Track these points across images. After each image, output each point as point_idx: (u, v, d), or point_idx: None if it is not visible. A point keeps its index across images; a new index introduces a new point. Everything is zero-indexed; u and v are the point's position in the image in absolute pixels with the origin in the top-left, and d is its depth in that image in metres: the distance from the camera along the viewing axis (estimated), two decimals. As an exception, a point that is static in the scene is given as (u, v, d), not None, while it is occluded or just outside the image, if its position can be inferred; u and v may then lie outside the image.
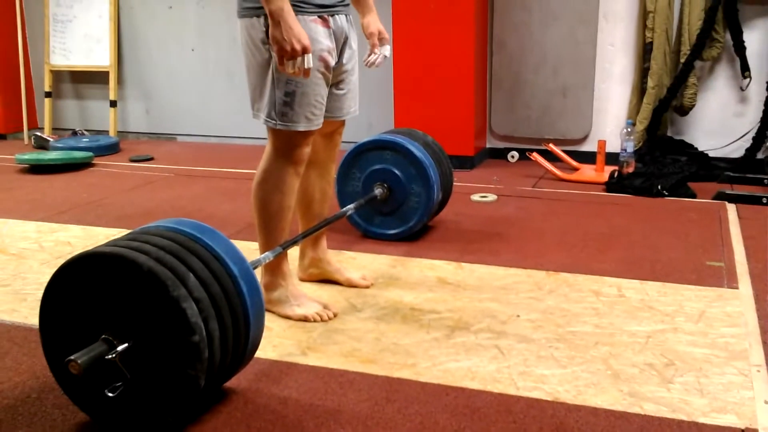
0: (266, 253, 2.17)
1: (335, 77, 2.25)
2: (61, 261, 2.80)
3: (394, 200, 2.95)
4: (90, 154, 4.68)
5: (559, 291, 2.46)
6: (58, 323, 1.65)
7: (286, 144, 2.18)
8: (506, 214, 3.43)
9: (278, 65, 2.00)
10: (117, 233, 3.17)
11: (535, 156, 4.13)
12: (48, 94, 5.65)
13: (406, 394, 1.81)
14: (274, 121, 2.14)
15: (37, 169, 4.52)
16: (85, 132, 5.55)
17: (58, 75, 5.80)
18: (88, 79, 5.77)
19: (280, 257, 2.27)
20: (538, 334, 2.13)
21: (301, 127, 2.14)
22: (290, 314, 2.26)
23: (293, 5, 2.02)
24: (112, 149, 5.13)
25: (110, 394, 1.55)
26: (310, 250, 2.55)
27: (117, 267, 1.56)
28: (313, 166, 2.41)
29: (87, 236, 3.17)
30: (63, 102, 5.90)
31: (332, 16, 2.16)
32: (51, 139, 5.21)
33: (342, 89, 2.30)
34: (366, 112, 4.72)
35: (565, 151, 4.32)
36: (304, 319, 2.24)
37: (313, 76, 2.10)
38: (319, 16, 2.12)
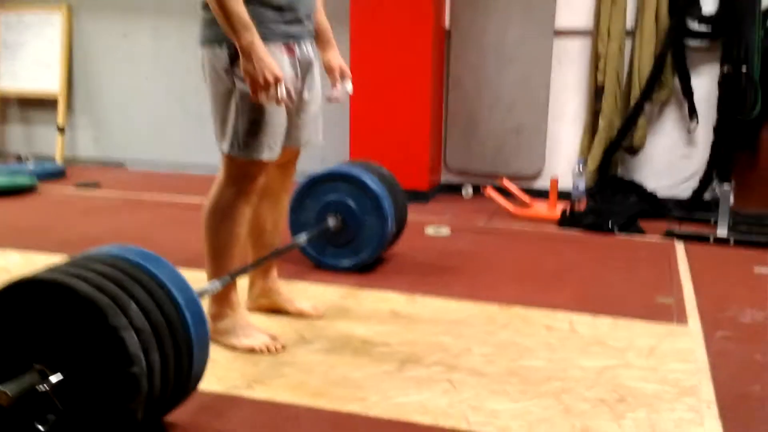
0: (214, 281, 2.10)
1: (296, 106, 2.21)
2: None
3: (348, 232, 2.91)
4: (34, 179, 4.54)
5: (512, 325, 2.44)
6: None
7: (243, 173, 2.13)
8: (460, 248, 3.42)
9: (251, 96, 1.97)
10: (58, 260, 3.05)
11: (489, 191, 4.15)
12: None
13: (354, 430, 1.75)
14: (237, 150, 2.09)
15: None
16: (30, 158, 5.39)
17: (5, 99, 5.65)
18: (36, 105, 5.63)
19: (229, 287, 2.20)
20: (490, 368, 2.10)
21: (264, 157, 2.10)
22: (237, 345, 2.19)
23: (262, 32, 2.00)
24: (57, 175, 4.99)
25: (41, 428, 1.46)
26: (259, 280, 2.49)
27: (53, 294, 1.48)
28: (265, 196, 2.36)
29: (26, 263, 3.04)
30: (9, 127, 5.74)
31: (298, 44, 2.14)
32: (-7, 164, 5.05)
33: (302, 118, 2.26)
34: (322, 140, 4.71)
35: (518, 188, 4.36)
36: (251, 350, 2.17)
37: (274, 106, 2.07)
38: (284, 44, 2.10)
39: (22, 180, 4.49)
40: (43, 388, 1.44)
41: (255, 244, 2.44)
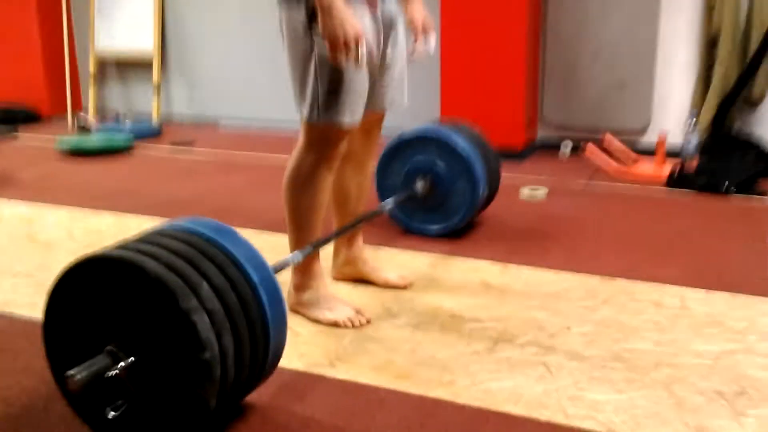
0: (295, 252, 2.01)
1: (379, 66, 2.06)
2: (90, 250, 2.71)
3: (437, 196, 2.76)
4: (130, 138, 4.60)
5: (615, 300, 2.24)
6: (62, 330, 1.51)
7: (323, 140, 2.01)
8: (557, 212, 3.21)
9: (330, 56, 1.83)
10: (150, 222, 3.06)
11: (590, 149, 3.88)
12: (92, 78, 5.59)
13: (442, 418, 1.62)
14: (316, 115, 1.97)
15: (77, 154, 4.45)
16: (128, 116, 5.48)
17: (102, 59, 5.74)
18: (132, 64, 5.69)
19: (311, 257, 2.11)
20: (591, 350, 1.92)
21: (345, 121, 1.97)
22: (320, 318, 2.10)
23: None
24: (153, 134, 5.05)
25: (112, 413, 1.41)
26: (344, 249, 2.38)
27: (123, 272, 1.41)
28: (349, 161, 2.24)
29: (118, 224, 3.07)
30: (107, 85, 5.85)
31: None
32: (93, 123, 5.16)
33: (386, 79, 2.11)
34: (410, 99, 4.55)
35: (622, 144, 4.06)
36: (335, 324, 2.08)
37: (355, 67, 1.93)
38: (366, 0, 1.94)
39: (118, 141, 4.56)
40: (112, 373, 1.39)
41: (339, 212, 2.33)
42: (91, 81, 5.59)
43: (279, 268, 1.91)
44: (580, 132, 4.31)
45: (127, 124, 5.09)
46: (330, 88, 1.93)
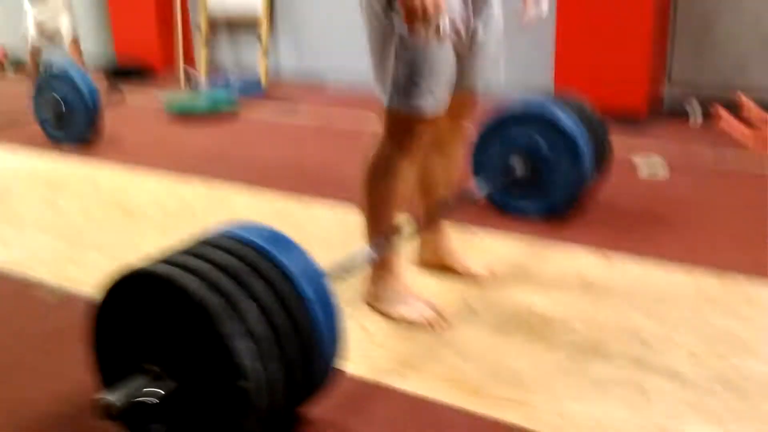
0: (367, 248, 1.86)
1: (468, 44, 1.84)
2: (183, 226, 2.69)
3: (537, 175, 2.52)
4: (235, 102, 4.59)
5: (732, 306, 1.96)
6: (109, 343, 1.44)
7: (405, 130, 1.84)
8: (678, 194, 2.88)
9: (408, 30, 1.64)
10: (239, 195, 3.02)
11: (724, 120, 3.44)
12: (203, 36, 5.62)
13: (510, 449, 1.46)
14: (396, 100, 1.79)
15: (183, 115, 4.48)
16: (236, 74, 5.47)
17: (213, 18, 5.74)
18: (241, 23, 5.66)
19: (389, 248, 1.95)
20: (695, 370, 1.67)
21: (428, 106, 1.78)
22: (392, 313, 1.96)
23: None
24: (259, 93, 5.01)
25: (151, 436, 1.34)
26: (428, 236, 2.21)
27: (166, 291, 1.31)
28: (436, 147, 2.04)
29: (208, 195, 3.04)
30: (217, 44, 5.86)
31: None
32: (203, 81, 5.19)
33: (476, 57, 1.89)
34: (520, 56, 4.26)
35: (760, 108, 3.59)
36: (409, 322, 1.93)
37: (441, 46, 1.73)
38: None
39: (224, 103, 4.56)
40: (152, 398, 1.30)
41: (424, 199, 2.15)
42: (202, 39, 5.62)
43: (350, 265, 1.78)
44: (714, 90, 3.86)
45: (235, 83, 5.08)
46: (411, 71, 1.74)
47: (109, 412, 1.27)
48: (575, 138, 2.41)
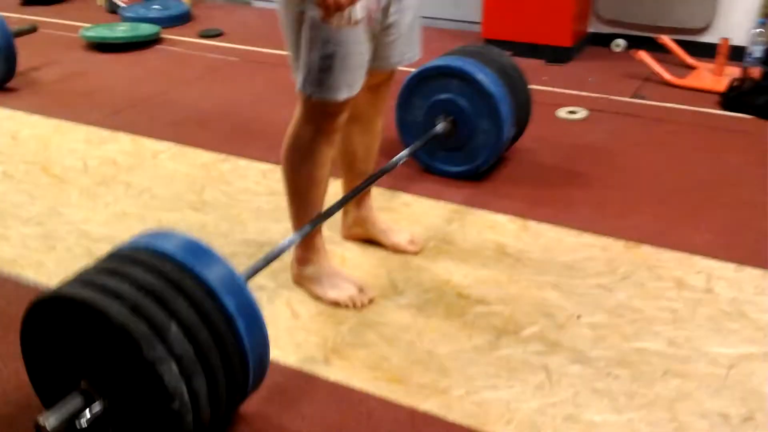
0: (292, 235, 1.92)
1: (383, 22, 1.84)
2: (103, 188, 2.67)
3: (460, 135, 2.58)
4: (157, 29, 4.42)
5: (636, 276, 2.11)
6: (39, 360, 1.49)
7: (320, 112, 1.85)
8: (594, 140, 2.98)
9: (322, 18, 1.64)
10: (165, 148, 2.98)
11: (641, 55, 3.54)
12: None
13: (428, 440, 1.59)
14: (310, 88, 1.79)
15: (102, 47, 4.31)
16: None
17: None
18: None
19: (313, 231, 2.01)
20: (598, 350, 1.83)
21: (341, 96, 1.80)
22: (321, 296, 2.04)
23: None
24: (183, 19, 4.82)
25: (85, 455, 1.42)
26: (353, 209, 2.27)
27: (87, 316, 1.36)
28: (355, 121, 2.07)
29: (135, 151, 2.99)
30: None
31: None
32: (122, 4, 4.95)
33: (391, 35, 1.89)
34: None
35: (680, 43, 3.69)
36: (336, 304, 2.02)
37: (355, 36, 1.72)
38: None
39: (145, 32, 4.38)
40: (83, 420, 1.37)
41: (347, 173, 2.20)
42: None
43: (273, 256, 1.84)
44: (636, 29, 3.92)
45: (156, 6, 4.86)
46: (324, 64, 1.74)
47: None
48: (495, 98, 2.46)
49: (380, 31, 1.85)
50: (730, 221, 2.38)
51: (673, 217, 2.41)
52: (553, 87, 3.49)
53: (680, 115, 3.18)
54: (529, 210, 2.46)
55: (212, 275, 1.47)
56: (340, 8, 1.59)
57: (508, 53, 2.78)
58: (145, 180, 2.74)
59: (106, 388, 1.40)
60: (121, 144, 3.07)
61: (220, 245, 2.27)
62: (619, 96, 3.39)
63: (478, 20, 4.10)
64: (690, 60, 3.63)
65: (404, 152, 2.37)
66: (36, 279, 2.17)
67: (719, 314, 1.95)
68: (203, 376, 1.39)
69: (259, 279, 2.07)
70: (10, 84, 3.72)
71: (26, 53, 4.00)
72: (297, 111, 1.90)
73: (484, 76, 2.47)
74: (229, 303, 1.45)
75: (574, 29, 3.81)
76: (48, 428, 1.33)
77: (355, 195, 2.17)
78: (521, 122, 2.66)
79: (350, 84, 1.80)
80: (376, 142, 2.18)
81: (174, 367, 1.34)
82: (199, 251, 1.51)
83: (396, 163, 2.32)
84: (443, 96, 2.54)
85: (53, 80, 3.87)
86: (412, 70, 2.58)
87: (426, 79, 2.57)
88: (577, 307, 1.99)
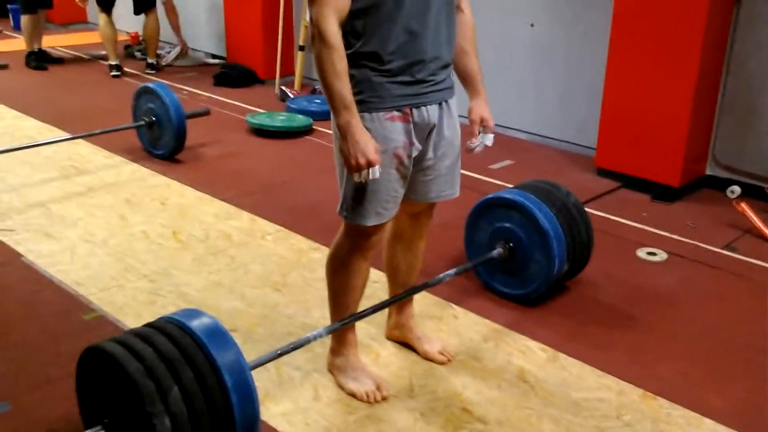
0: (318, 330, 2.23)
1: (419, 165, 2.16)
2: (211, 258, 3.16)
3: (516, 262, 2.79)
4: (309, 122, 5.01)
5: (638, 426, 2.19)
6: (85, 390, 1.92)
7: (356, 233, 2.19)
8: (662, 286, 3.04)
9: (345, 172, 2.00)
10: (274, 230, 3.44)
11: (743, 206, 3.53)
12: (301, 48, 6.05)
13: None
14: (344, 213, 2.15)
15: (262, 132, 4.96)
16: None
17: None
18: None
19: (347, 327, 2.32)
20: (566, 487, 1.95)
21: (371, 222, 2.12)
22: (343, 385, 2.33)
23: (370, 99, 1.99)
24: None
25: (95, 479, 1.80)
26: (395, 314, 2.56)
27: (114, 368, 1.75)
28: (399, 240, 2.39)
29: (249, 230, 3.48)
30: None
31: (418, 107, 2.07)
32: (291, 95, 5.65)
33: (429, 175, 2.20)
34: (577, 111, 4.42)
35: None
36: (353, 395, 2.30)
37: (385, 173, 2.05)
38: (398, 110, 2.04)
39: (299, 123, 4.99)
40: (97, 449, 1.76)
41: (390, 283, 2.51)
42: (298, 52, 6.05)
43: (298, 345, 2.17)
44: (752, 178, 3.90)
45: (317, 100, 5.49)
46: (353, 194, 2.09)
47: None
48: (549, 235, 2.65)
49: (418, 171, 2.17)
50: (759, 394, 2.36)
51: (702, 376, 2.44)
52: (646, 225, 3.57)
53: (763, 273, 3.15)
54: (564, 343, 2.60)
55: (220, 355, 1.81)
56: (359, 169, 1.94)
57: (572, 197, 2.93)
58: (247, 256, 3.21)
59: (120, 426, 1.78)
60: (241, 221, 3.58)
61: (281, 324, 2.67)
62: (709, 245, 3.40)
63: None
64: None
65: (451, 271, 2.63)
66: (131, 325, 2.65)
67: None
68: (192, 433, 1.73)
69: (299, 361, 2.43)
70: (179, 156, 4.43)
71: (200, 131, 4.74)
72: (340, 228, 2.25)
73: (542, 214, 2.68)
74: (228, 380, 1.79)
75: (684, 169, 3.86)
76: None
77: (392, 303, 2.46)
78: (578, 260, 2.81)
79: (379, 213, 2.11)
80: (417, 260, 2.46)
81: (167, 422, 1.69)
82: (218, 333, 1.87)
83: (441, 280, 2.59)
84: (505, 224, 2.78)
85: (212, 157, 4.54)
86: (478, 199, 2.85)
87: (492, 206, 2.83)
88: (567, 446, 2.11)
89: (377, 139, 1.99)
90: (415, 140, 2.09)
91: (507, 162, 4.47)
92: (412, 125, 2.07)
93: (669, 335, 2.69)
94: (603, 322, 2.77)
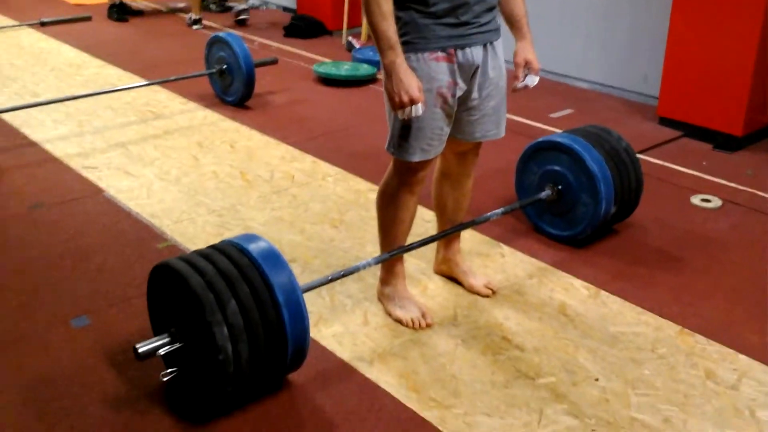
0: (366, 260, 2.38)
1: (464, 105, 2.26)
2: (275, 196, 3.35)
3: (564, 204, 2.87)
4: (373, 71, 5.11)
5: (671, 358, 2.27)
6: (154, 306, 2.13)
7: (403, 169, 2.31)
8: (713, 231, 3.07)
9: (391, 110, 2.12)
10: (334, 172, 3.60)
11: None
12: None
13: (413, 441, 1.97)
14: (391, 149, 2.28)
15: (328, 81, 5.10)
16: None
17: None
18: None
19: (396, 258, 2.47)
20: (595, 410, 2.06)
21: (416, 158, 2.24)
22: (391, 312, 2.48)
23: (415, 40, 2.10)
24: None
25: (164, 378, 2.01)
26: (442, 249, 2.68)
27: (180, 282, 1.95)
28: (446, 177, 2.51)
29: (311, 171, 3.65)
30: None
31: (462, 48, 2.16)
32: (357, 45, 5.76)
33: (474, 115, 2.30)
34: (642, 60, 4.41)
35: None
36: (399, 321, 2.45)
37: (430, 111, 2.17)
38: (442, 50, 2.14)
39: (363, 72, 5.11)
40: (163, 351, 1.97)
41: (439, 219, 2.63)
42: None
43: (348, 272, 2.34)
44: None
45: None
46: (400, 132, 2.21)
47: (137, 355, 1.95)
48: (597, 178, 2.72)
49: (464, 111, 2.27)
50: (803, 331, 2.41)
51: (743, 316, 2.49)
52: (704, 173, 3.57)
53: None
54: (608, 282, 2.68)
55: (274, 275, 1.99)
56: (402, 107, 2.05)
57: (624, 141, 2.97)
58: (307, 195, 3.38)
59: (184, 335, 1.99)
60: (303, 164, 3.76)
61: (337, 257, 2.85)
62: (766, 192, 3.38)
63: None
64: None
65: (498, 210, 2.73)
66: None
67: (730, 409, 2.07)
68: (247, 344, 1.92)
69: (351, 290, 2.60)
70: (248, 103, 4.62)
71: (269, 79, 4.93)
72: (389, 164, 2.38)
73: (590, 156, 2.75)
74: (281, 297, 1.97)
75: (747, 119, 3.81)
76: (138, 351, 1.95)
77: (439, 238, 2.59)
78: (626, 204, 2.87)
79: (424, 149, 2.23)
80: (464, 198, 2.57)
81: (225, 330, 1.88)
82: (273, 256, 2.04)
83: (488, 218, 2.70)
84: (554, 167, 2.86)
85: (279, 104, 4.72)
86: (530, 142, 2.93)
87: (542, 150, 2.90)
88: (600, 371, 2.22)
89: (422, 78, 2.10)
90: (459, 80, 2.19)
91: (568, 111, 4.50)
92: (456, 65, 2.16)
93: (714, 278, 2.74)
94: (649, 264, 2.83)
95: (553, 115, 4.40)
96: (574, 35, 4.89)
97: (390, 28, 2.03)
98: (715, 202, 3.28)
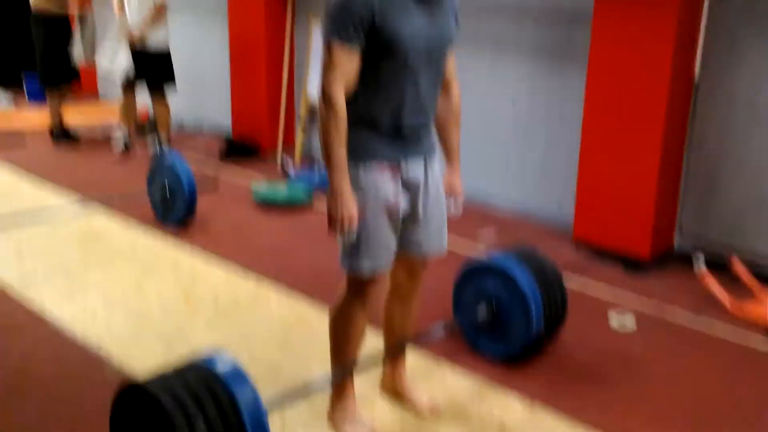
0: (321, 378, 2.52)
1: (410, 219, 2.45)
2: (224, 322, 3.44)
3: (498, 323, 3.09)
4: (309, 195, 5.35)
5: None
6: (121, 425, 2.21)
7: (355, 284, 2.47)
8: (634, 351, 3.33)
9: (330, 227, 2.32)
10: (279, 294, 3.74)
11: (705, 277, 3.85)
12: (301, 122, 6.39)
13: None
14: (343, 262, 2.42)
15: (266, 203, 5.32)
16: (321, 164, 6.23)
17: (313, 104, 6.55)
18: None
19: (345, 379, 2.60)
20: None
21: (366, 268, 2.39)
22: (337, 432, 2.60)
23: (364, 154, 2.31)
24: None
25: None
26: (388, 367, 2.82)
27: (149, 401, 2.05)
28: (396, 296, 2.69)
29: (255, 296, 3.77)
30: (314, 132, 6.64)
31: (405, 164, 2.37)
32: (293, 170, 6.02)
33: (419, 230, 2.49)
34: (556, 186, 4.78)
35: (750, 272, 3.92)
36: (347, 443, 2.56)
37: (377, 223, 2.34)
38: (388, 164, 2.34)
39: (300, 196, 5.33)
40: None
41: (386, 337, 2.79)
42: (300, 125, 6.40)
43: (310, 388, 2.46)
44: (717, 247, 4.25)
45: (322, 172, 5.84)
46: (350, 244, 2.37)
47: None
48: (527, 296, 2.96)
49: (410, 224, 2.46)
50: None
51: (667, 427, 2.72)
52: (616, 295, 3.89)
53: (727, 345, 3.40)
54: (545, 397, 2.87)
55: (242, 395, 2.11)
56: (340, 226, 2.26)
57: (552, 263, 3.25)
58: (252, 317, 3.50)
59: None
60: (246, 289, 3.88)
61: (285, 380, 2.91)
62: (676, 313, 3.72)
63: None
64: (757, 288, 3.83)
65: (440, 330, 2.93)
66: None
67: None
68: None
69: (301, 414, 2.69)
70: (189, 222, 4.77)
71: (209, 200, 5.10)
72: (342, 283, 2.54)
73: (520, 275, 3.00)
74: (247, 418, 2.08)
75: (654, 241, 4.20)
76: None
77: (392, 355, 2.74)
78: (552, 320, 3.12)
79: (373, 259, 2.38)
80: (411, 315, 2.74)
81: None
82: (239, 378, 2.16)
83: (430, 339, 2.89)
84: (488, 286, 3.10)
85: (219, 227, 4.88)
86: (464, 264, 3.18)
87: (477, 271, 3.15)
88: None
89: (369, 189, 2.30)
90: (403, 196, 2.39)
91: (491, 230, 4.83)
92: (400, 181, 2.38)
93: (640, 396, 2.95)
94: (579, 380, 3.05)
95: (479, 237, 4.70)
96: (495, 161, 5.31)
97: (343, 153, 2.23)
98: (630, 322, 3.57)
